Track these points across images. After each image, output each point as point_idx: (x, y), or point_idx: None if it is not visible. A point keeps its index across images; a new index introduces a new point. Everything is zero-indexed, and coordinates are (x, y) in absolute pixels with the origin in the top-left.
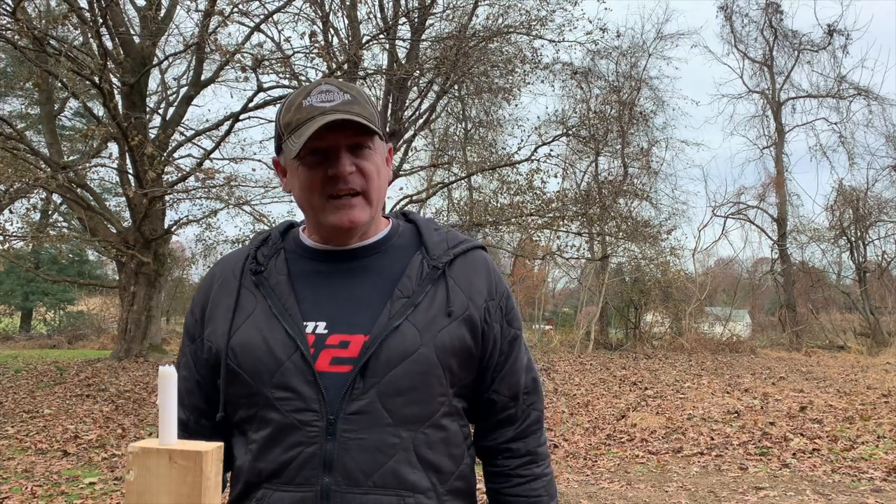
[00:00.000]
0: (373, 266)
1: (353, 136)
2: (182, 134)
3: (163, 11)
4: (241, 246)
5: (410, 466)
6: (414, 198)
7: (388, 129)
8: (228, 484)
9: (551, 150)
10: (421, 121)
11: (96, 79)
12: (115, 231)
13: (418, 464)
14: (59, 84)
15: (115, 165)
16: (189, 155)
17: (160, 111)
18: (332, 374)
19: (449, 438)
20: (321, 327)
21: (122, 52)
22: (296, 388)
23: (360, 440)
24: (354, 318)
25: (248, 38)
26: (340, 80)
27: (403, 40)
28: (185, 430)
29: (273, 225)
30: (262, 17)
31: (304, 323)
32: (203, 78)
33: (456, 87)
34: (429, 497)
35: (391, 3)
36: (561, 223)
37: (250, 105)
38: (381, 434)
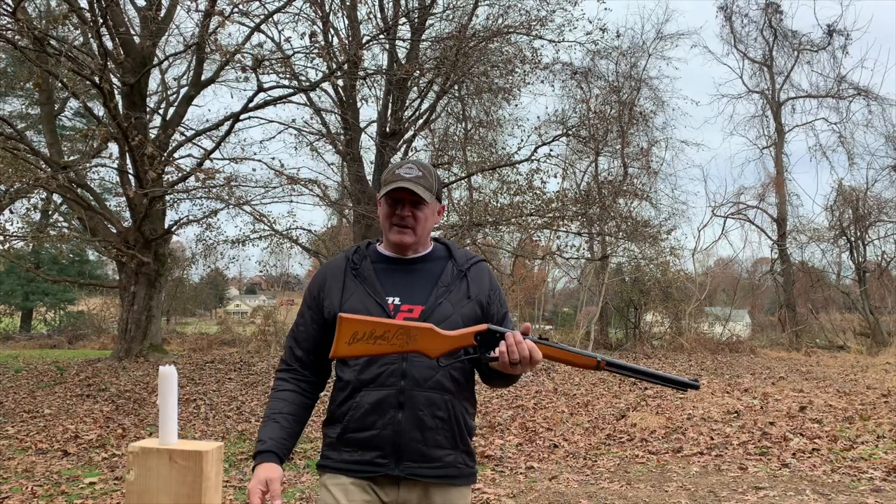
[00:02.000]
0: (422, 269)
1: (414, 195)
2: (182, 134)
3: (163, 11)
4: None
5: (446, 378)
6: None
7: (438, 185)
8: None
9: (551, 150)
10: (421, 121)
11: (96, 79)
12: (115, 231)
13: (450, 378)
14: (60, 84)
15: (115, 165)
16: (189, 155)
17: (160, 111)
18: None
19: (465, 368)
20: (396, 300)
21: (122, 52)
22: None
23: (420, 361)
24: (415, 296)
25: (248, 38)
26: (423, 162)
27: (403, 40)
28: (300, 363)
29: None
30: (262, 17)
31: (386, 298)
32: (203, 78)
33: (456, 87)
34: (455, 397)
35: (391, 4)
36: (561, 223)
37: (250, 105)
38: (431, 362)
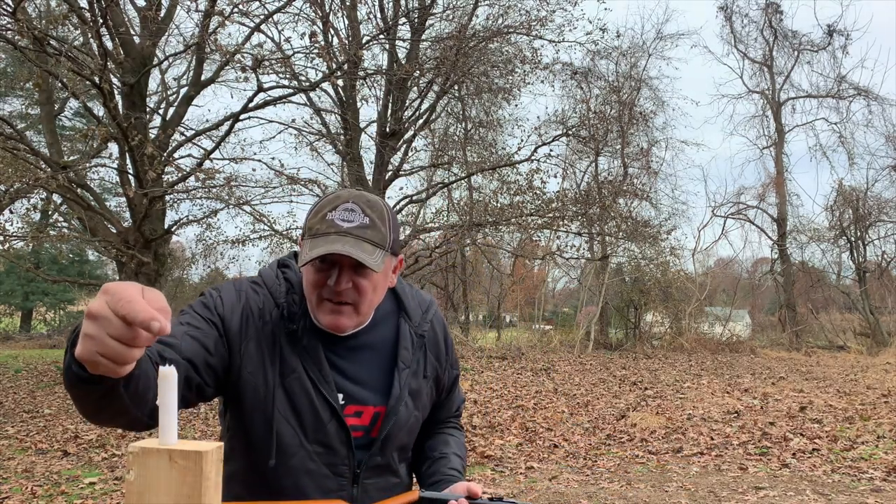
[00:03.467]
0: (370, 341)
1: (355, 260)
2: (182, 134)
3: (163, 11)
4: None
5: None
6: (414, 198)
7: (395, 232)
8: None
9: (551, 150)
10: (421, 121)
11: (96, 79)
12: (115, 231)
13: (405, 489)
14: (59, 84)
15: (115, 165)
16: (189, 155)
17: (160, 111)
18: (354, 439)
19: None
20: (340, 398)
21: (122, 52)
22: (334, 447)
23: (375, 483)
24: (363, 394)
25: (248, 38)
26: (370, 198)
27: (403, 40)
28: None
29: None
30: (262, 17)
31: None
32: (203, 78)
33: (456, 87)
34: None
35: (391, 4)
36: (561, 223)
37: (250, 105)
38: (389, 477)
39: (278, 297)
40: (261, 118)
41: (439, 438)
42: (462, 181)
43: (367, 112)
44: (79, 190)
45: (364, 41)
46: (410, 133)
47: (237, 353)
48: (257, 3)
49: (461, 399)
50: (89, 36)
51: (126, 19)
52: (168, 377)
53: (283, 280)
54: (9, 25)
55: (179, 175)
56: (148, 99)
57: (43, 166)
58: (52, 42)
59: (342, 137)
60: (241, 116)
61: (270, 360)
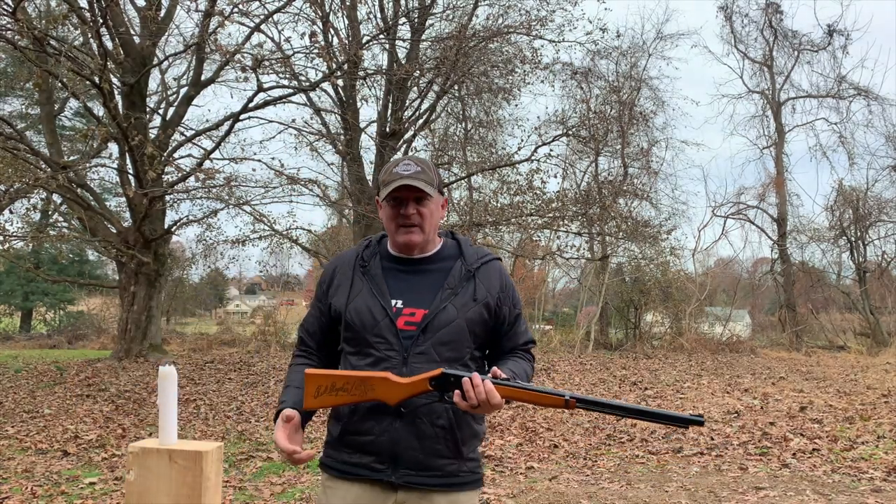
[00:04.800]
0: (430, 269)
1: (416, 192)
2: (182, 134)
3: (163, 11)
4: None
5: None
6: None
7: (439, 179)
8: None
9: (551, 150)
10: (421, 121)
11: (96, 79)
12: (115, 231)
13: None
14: (59, 84)
15: (115, 165)
16: (189, 155)
17: (160, 111)
18: (405, 331)
19: (471, 370)
20: (399, 303)
21: (122, 52)
22: (387, 338)
23: (420, 368)
24: (419, 299)
25: (248, 38)
26: (420, 157)
27: (403, 40)
28: (307, 349)
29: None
30: (262, 17)
31: (391, 300)
32: (203, 78)
33: (456, 87)
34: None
35: (391, 3)
36: (561, 223)
37: (250, 105)
38: (432, 366)
39: (359, 250)
40: (261, 118)
41: (502, 361)
42: (462, 181)
43: (367, 112)
44: (79, 190)
45: (364, 41)
46: (410, 133)
47: (331, 298)
48: (257, 3)
49: (529, 336)
50: (89, 36)
51: (126, 19)
52: (168, 377)
53: (366, 242)
54: (9, 25)
55: (179, 175)
56: (148, 99)
57: (43, 166)
58: (52, 42)
59: (342, 137)
60: (241, 116)
61: (346, 289)
